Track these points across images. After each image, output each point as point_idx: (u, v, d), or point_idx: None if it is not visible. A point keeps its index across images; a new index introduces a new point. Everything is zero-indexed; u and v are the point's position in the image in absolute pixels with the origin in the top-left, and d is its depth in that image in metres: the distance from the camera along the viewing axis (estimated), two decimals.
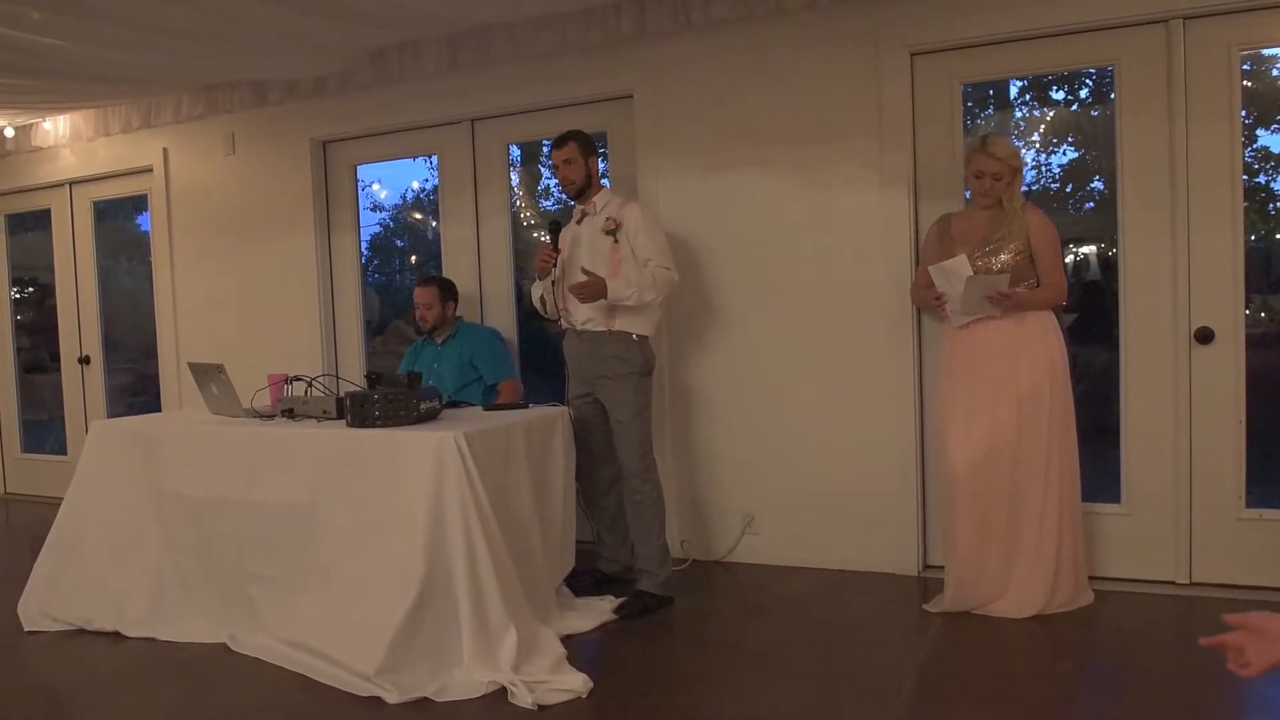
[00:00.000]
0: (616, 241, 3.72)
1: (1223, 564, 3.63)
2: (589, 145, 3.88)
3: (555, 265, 3.81)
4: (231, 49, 4.33)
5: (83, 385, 6.36)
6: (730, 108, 4.22)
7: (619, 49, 4.35)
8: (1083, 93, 4.18)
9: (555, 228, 3.87)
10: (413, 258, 5.85)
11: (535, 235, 5.02)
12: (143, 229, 6.49)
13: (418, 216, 5.75)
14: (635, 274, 3.69)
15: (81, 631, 3.62)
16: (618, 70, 4.39)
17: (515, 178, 5.06)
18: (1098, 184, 4.12)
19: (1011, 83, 4.11)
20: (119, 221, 6.43)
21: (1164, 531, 3.71)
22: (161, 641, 3.49)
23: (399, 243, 5.95)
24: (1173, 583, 3.69)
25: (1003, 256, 3.52)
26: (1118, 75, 3.71)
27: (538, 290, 3.96)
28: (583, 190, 3.86)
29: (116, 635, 3.56)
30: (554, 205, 5.26)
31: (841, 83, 4.02)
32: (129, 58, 4.27)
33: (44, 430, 6.75)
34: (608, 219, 3.76)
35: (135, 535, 3.67)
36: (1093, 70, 4.03)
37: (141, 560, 3.64)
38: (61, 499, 3.88)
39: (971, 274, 3.47)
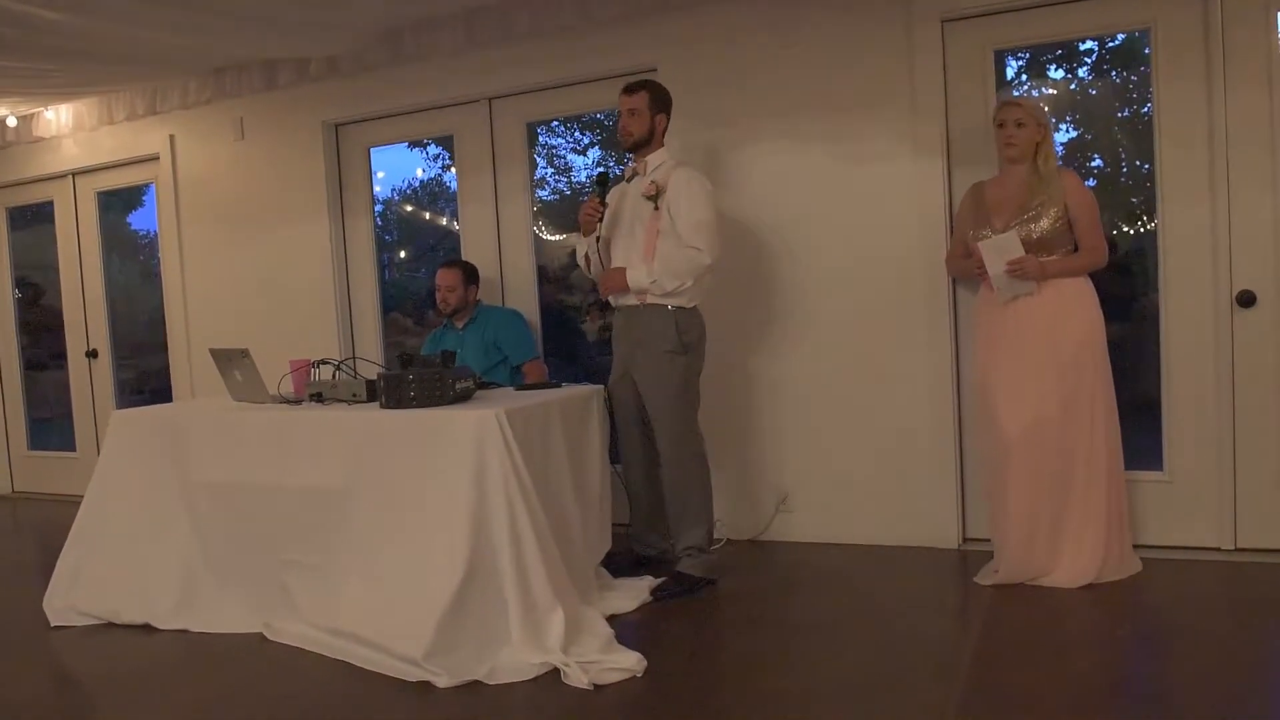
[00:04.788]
0: (657, 209, 3.54)
1: (1269, 529, 3.60)
2: (661, 100, 3.64)
3: (601, 221, 3.65)
4: (244, 26, 4.23)
5: (90, 379, 6.26)
6: (758, 79, 4.15)
7: (642, 21, 4.27)
8: (1081, 71, 4.13)
9: (603, 179, 3.70)
10: (401, 253, 5.76)
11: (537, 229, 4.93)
12: (133, 227, 6.43)
13: (409, 209, 5.66)
14: (668, 253, 3.53)
15: (110, 625, 3.55)
16: (641, 43, 4.32)
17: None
18: (1097, 161, 4.06)
19: (1008, 61, 4.02)
20: (110, 218, 6.31)
21: (1207, 498, 3.67)
22: (194, 633, 3.42)
23: (388, 238, 5.84)
24: (1218, 549, 3.65)
25: (1043, 223, 3.47)
26: (1154, 38, 3.66)
27: (582, 247, 3.79)
28: (640, 145, 3.65)
29: (147, 627, 3.48)
30: (549, 195, 5.18)
31: (872, 51, 3.96)
32: (139, 34, 4.15)
33: (48, 428, 6.66)
34: (650, 183, 3.59)
35: (163, 525, 3.59)
36: (1093, 46, 3.99)
37: (170, 550, 3.56)
38: (71, 495, 3.81)
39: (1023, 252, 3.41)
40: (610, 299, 3.74)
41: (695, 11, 4.19)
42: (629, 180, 3.73)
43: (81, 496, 3.79)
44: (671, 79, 4.26)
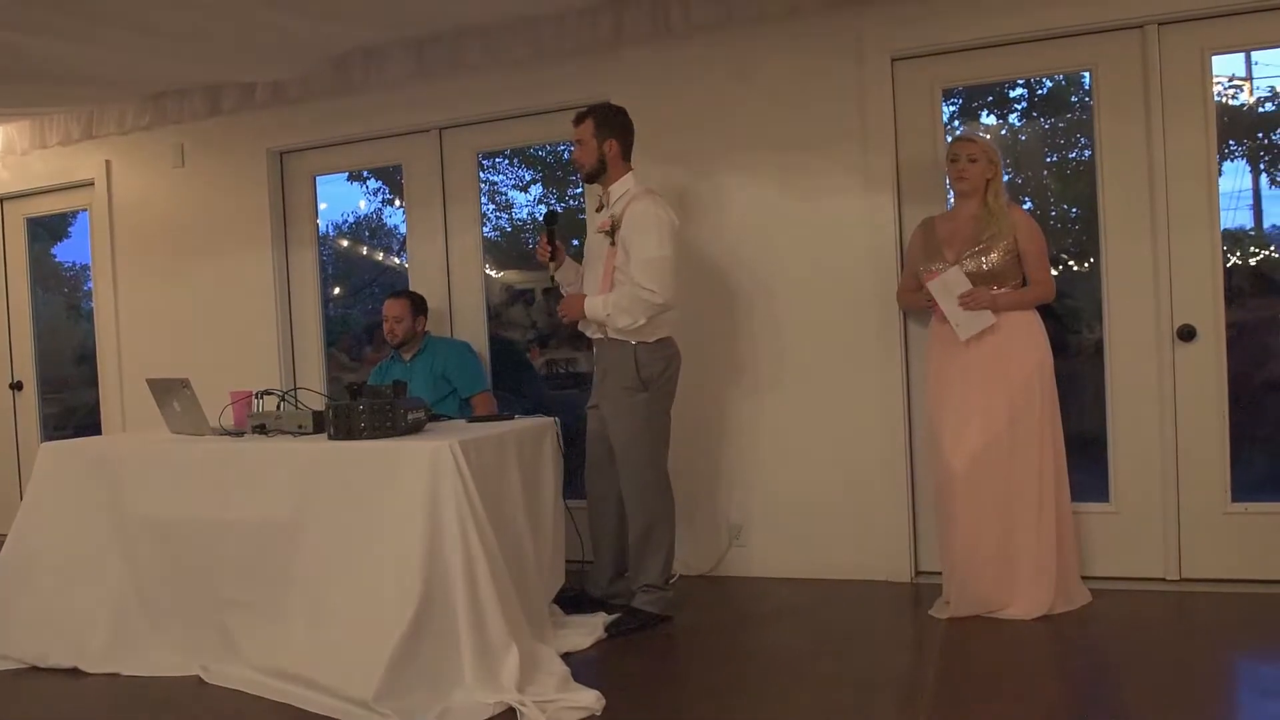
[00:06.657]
0: (614, 244, 3.46)
1: (1211, 559, 3.67)
2: (608, 126, 3.50)
3: (551, 260, 3.60)
4: (191, 48, 4.13)
5: (15, 413, 5.99)
6: (711, 114, 4.17)
7: (596, 54, 4.27)
8: (1012, 117, 4.25)
9: (551, 218, 3.63)
10: (336, 289, 5.63)
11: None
12: (58, 258, 6.21)
13: (344, 244, 5.57)
14: (621, 291, 3.43)
15: (35, 669, 3.36)
16: (594, 76, 4.31)
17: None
18: (1028, 204, 4.15)
19: (944, 106, 4.10)
20: (34, 250, 6.07)
21: (1153, 528, 3.74)
22: (125, 676, 3.24)
23: (326, 273, 5.71)
24: (1163, 579, 3.71)
25: (993, 256, 3.53)
26: (1095, 80, 3.78)
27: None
28: (593, 176, 3.57)
29: (75, 671, 3.30)
30: (492, 233, 5.12)
31: (824, 88, 4.01)
32: (77, 54, 4.02)
33: None
34: (607, 218, 3.51)
35: (94, 563, 3.41)
36: (1023, 93, 4.12)
37: (102, 589, 3.38)
38: None
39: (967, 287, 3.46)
40: (584, 330, 3.66)
41: (649, 46, 4.20)
42: (598, 211, 3.66)
43: (3, 535, 3.60)
44: None
